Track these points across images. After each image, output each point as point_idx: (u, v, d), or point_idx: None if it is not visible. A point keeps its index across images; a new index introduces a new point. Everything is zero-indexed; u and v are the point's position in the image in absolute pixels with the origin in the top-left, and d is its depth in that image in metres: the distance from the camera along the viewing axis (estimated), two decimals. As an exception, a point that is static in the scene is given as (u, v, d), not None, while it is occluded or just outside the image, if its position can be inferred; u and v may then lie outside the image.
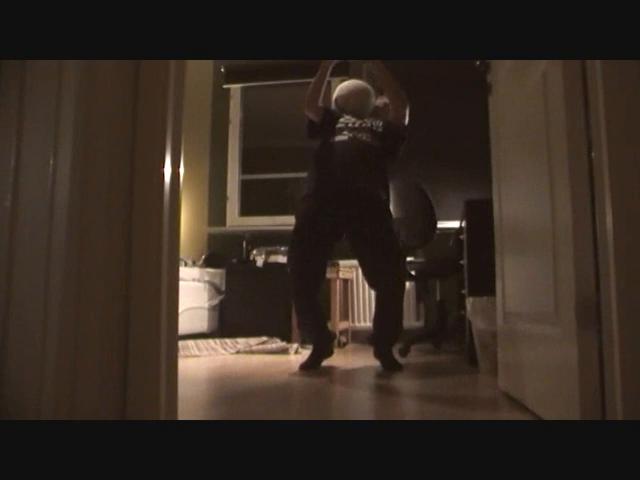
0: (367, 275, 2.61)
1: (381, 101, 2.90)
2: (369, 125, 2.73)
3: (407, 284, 2.95)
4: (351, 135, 2.65)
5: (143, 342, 1.07)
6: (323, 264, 2.62)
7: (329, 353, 2.69)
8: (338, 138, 2.65)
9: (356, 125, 2.71)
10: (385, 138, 2.70)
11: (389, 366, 2.53)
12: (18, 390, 1.04)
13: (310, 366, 2.56)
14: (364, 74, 4.53)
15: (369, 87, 2.86)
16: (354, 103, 2.79)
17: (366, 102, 2.81)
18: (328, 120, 2.73)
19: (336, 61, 2.72)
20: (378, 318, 2.60)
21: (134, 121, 1.12)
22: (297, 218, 2.62)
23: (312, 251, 2.56)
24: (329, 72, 2.72)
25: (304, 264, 2.56)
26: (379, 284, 2.56)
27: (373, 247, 2.53)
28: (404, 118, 2.70)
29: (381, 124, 2.76)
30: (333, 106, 2.85)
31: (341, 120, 2.75)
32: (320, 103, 2.72)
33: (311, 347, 2.68)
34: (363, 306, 4.07)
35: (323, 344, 2.63)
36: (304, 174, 2.77)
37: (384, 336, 2.61)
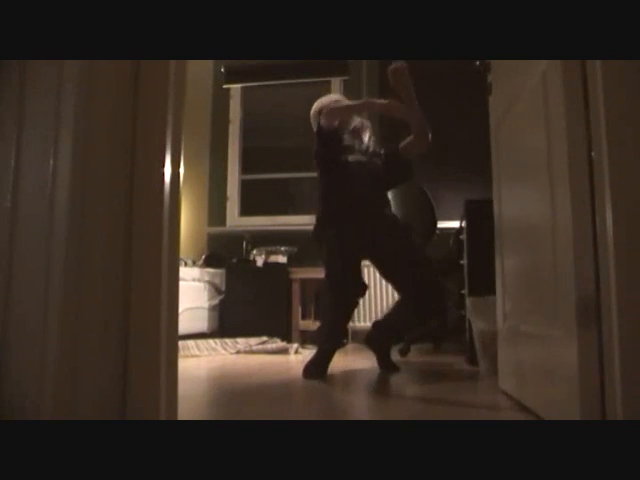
0: (398, 288, 2.56)
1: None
2: (374, 149, 2.67)
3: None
4: (366, 158, 2.60)
5: (143, 342, 1.06)
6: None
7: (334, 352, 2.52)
8: (353, 157, 2.57)
9: (363, 147, 2.63)
10: (388, 168, 2.63)
11: (386, 366, 2.52)
12: (18, 390, 1.04)
13: (315, 372, 2.31)
14: (364, 75, 4.54)
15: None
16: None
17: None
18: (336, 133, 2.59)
19: (377, 108, 2.63)
20: (393, 316, 2.54)
21: (134, 121, 1.12)
22: (337, 237, 2.45)
23: (355, 269, 2.49)
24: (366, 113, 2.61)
25: (349, 281, 2.46)
26: (409, 290, 2.46)
27: (397, 259, 2.48)
28: (416, 154, 2.61)
29: (382, 152, 2.69)
30: (313, 119, 2.68)
31: (345, 136, 2.61)
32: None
33: (311, 348, 2.59)
34: (363, 306, 4.06)
35: (332, 347, 2.43)
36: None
37: (387, 334, 2.57)
